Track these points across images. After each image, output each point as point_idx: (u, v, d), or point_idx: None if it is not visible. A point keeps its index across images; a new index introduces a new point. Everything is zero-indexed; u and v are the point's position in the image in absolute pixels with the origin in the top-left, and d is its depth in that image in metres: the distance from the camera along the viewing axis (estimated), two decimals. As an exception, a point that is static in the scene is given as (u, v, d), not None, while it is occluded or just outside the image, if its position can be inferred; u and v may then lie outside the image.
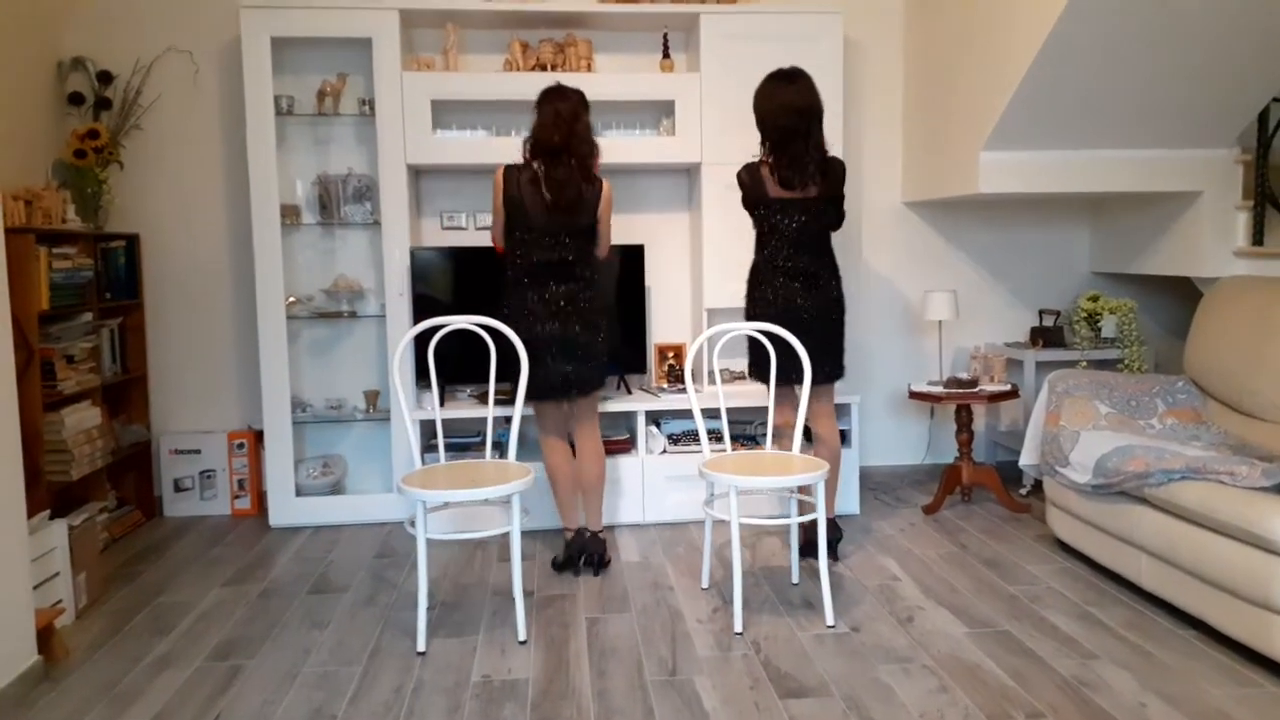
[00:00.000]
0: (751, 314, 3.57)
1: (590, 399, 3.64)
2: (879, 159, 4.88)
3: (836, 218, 3.60)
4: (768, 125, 3.47)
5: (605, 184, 3.55)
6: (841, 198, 3.58)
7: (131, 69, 4.38)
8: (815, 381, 3.53)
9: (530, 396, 3.51)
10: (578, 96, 3.49)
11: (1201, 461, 2.96)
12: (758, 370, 3.61)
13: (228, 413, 4.58)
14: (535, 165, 3.45)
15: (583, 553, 3.61)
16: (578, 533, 3.65)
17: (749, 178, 3.51)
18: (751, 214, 3.57)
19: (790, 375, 3.50)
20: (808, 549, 3.63)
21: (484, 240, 4.49)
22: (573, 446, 3.69)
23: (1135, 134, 4.05)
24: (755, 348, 3.58)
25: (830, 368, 3.59)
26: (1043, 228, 5.01)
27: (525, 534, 3.96)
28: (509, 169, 3.49)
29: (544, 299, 3.47)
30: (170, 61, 4.42)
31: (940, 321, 4.69)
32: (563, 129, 3.40)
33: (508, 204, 3.47)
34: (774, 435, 3.63)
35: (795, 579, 3.48)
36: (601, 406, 4.14)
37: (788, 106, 3.42)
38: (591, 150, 3.49)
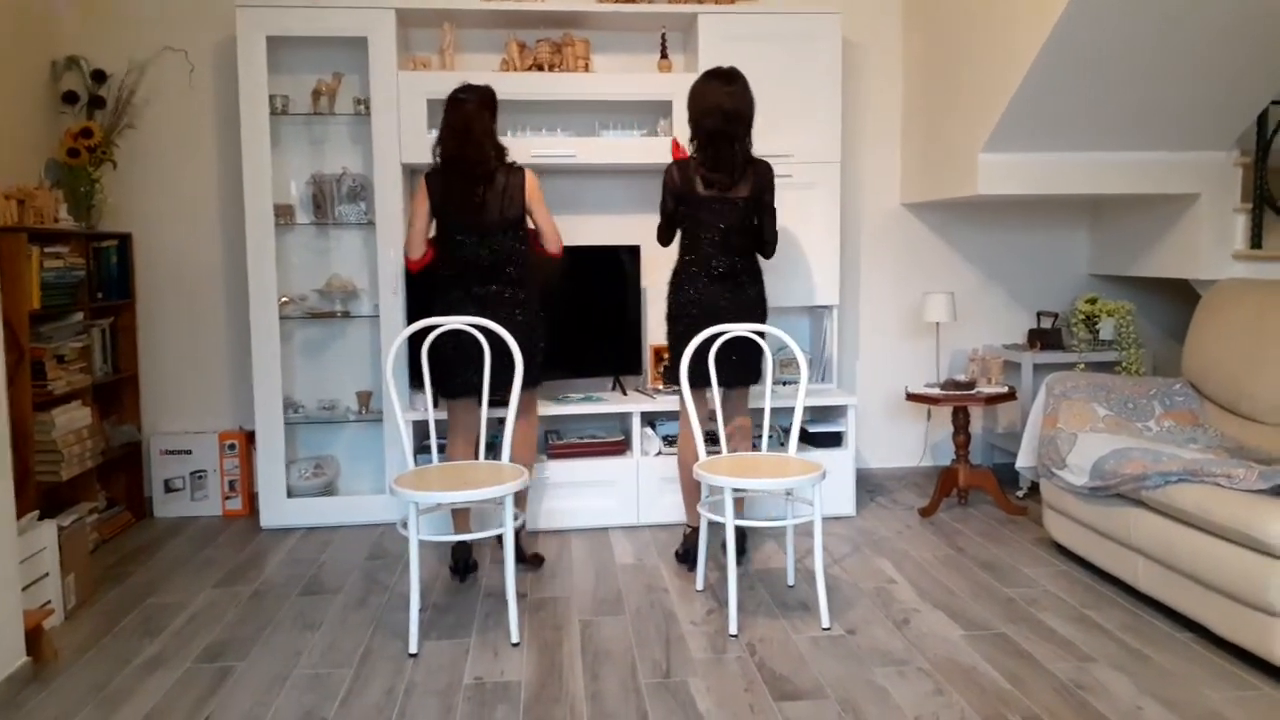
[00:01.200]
0: (673, 314, 3.57)
1: (526, 397, 3.61)
2: (877, 160, 4.87)
3: (770, 237, 3.57)
4: (697, 124, 3.48)
5: (527, 173, 3.53)
6: (771, 208, 3.55)
7: (126, 68, 4.36)
8: (736, 384, 3.60)
9: (449, 394, 3.52)
10: (475, 101, 3.45)
11: (1199, 464, 2.95)
12: (674, 375, 3.52)
13: (219, 413, 4.55)
14: (445, 175, 3.48)
15: (465, 560, 3.59)
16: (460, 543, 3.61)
17: (679, 175, 3.51)
18: (676, 212, 3.56)
19: (728, 379, 3.52)
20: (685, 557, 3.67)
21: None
22: (479, 448, 3.63)
23: (1134, 136, 4.04)
24: (678, 351, 3.52)
25: (751, 372, 3.60)
26: (1041, 230, 5.00)
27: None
28: (429, 176, 3.51)
29: (473, 297, 3.47)
30: (165, 60, 4.40)
31: (938, 323, 4.67)
32: (457, 138, 3.43)
33: (434, 209, 3.49)
34: (708, 438, 3.63)
35: (791, 581, 3.46)
36: (596, 407, 4.14)
37: (717, 108, 3.43)
38: (484, 155, 3.44)
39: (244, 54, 4.02)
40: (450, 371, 3.50)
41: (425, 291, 3.71)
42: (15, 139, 3.98)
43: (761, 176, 3.52)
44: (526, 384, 3.54)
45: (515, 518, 3.62)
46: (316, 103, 4.28)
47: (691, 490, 3.64)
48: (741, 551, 3.70)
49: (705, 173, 3.47)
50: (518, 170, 3.53)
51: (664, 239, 3.65)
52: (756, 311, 3.58)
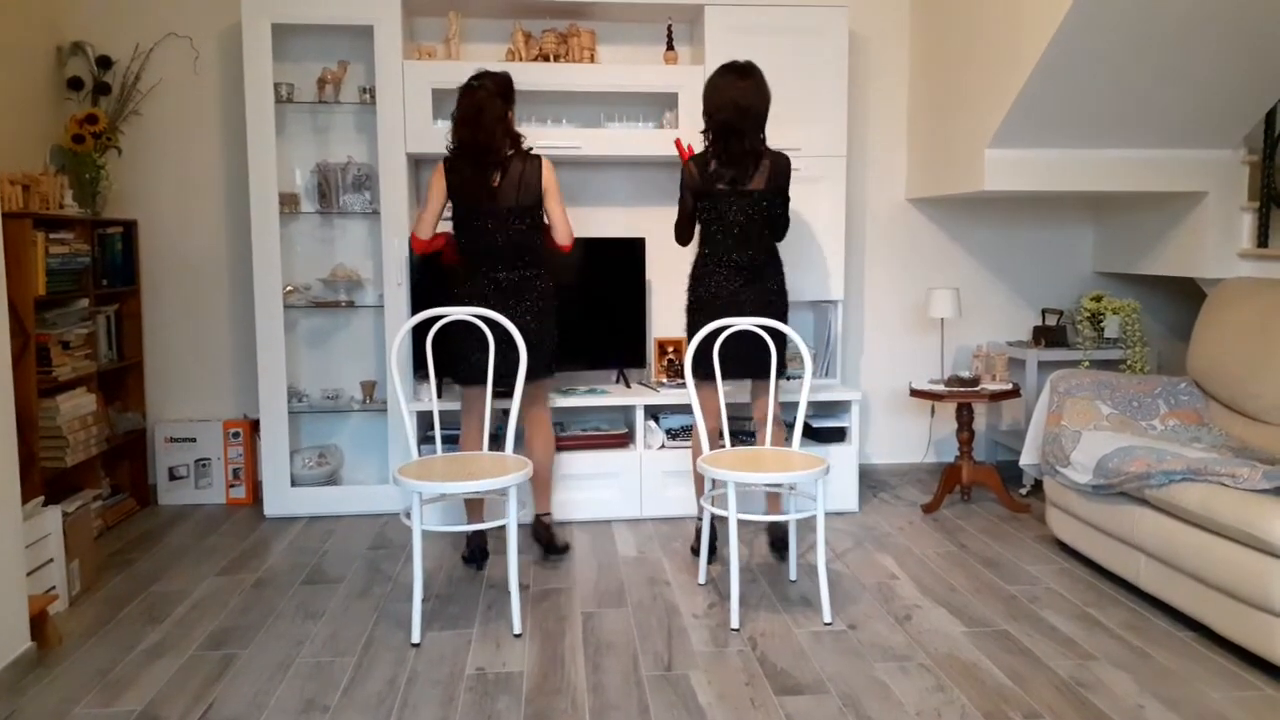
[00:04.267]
0: (693, 308, 3.56)
1: (539, 387, 3.64)
2: (883, 155, 4.86)
3: (782, 222, 3.58)
4: (711, 118, 3.47)
5: (545, 161, 3.54)
6: (786, 197, 3.56)
7: (131, 54, 4.35)
8: (758, 376, 3.58)
9: (464, 381, 3.53)
10: (488, 88, 3.46)
11: (1203, 463, 2.94)
12: (700, 369, 3.49)
13: (224, 401, 4.56)
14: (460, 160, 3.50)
15: (479, 548, 3.63)
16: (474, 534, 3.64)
17: (697, 169, 3.51)
18: (695, 208, 3.55)
19: (740, 371, 3.49)
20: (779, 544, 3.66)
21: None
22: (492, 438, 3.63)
23: (1141, 133, 4.03)
24: (700, 345, 3.46)
25: (762, 366, 3.57)
26: (1047, 226, 4.99)
27: (522, 526, 3.94)
28: (448, 161, 3.51)
29: (492, 284, 3.49)
30: (170, 47, 4.39)
31: (943, 319, 4.66)
32: (469, 125, 3.45)
33: (452, 195, 3.50)
34: (712, 434, 3.59)
35: (793, 576, 3.46)
36: (600, 400, 4.13)
37: (732, 103, 3.42)
38: (496, 142, 3.45)
39: (249, 41, 4.01)
40: (464, 356, 3.51)
41: (444, 277, 3.71)
42: (20, 124, 3.98)
43: (778, 168, 3.50)
44: (540, 375, 3.56)
45: (545, 512, 3.70)
46: (322, 91, 4.27)
47: (699, 481, 3.64)
48: (784, 548, 3.62)
49: (718, 167, 3.46)
50: (535, 158, 3.53)
51: (683, 237, 3.65)
52: (776, 303, 3.56)
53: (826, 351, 4.51)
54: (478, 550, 3.60)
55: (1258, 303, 3.56)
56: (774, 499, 3.75)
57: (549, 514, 3.76)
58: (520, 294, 3.51)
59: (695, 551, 3.68)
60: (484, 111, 3.44)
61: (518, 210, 3.48)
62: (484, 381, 3.46)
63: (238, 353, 4.54)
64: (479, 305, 3.41)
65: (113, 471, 4.27)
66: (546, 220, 3.61)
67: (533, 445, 3.69)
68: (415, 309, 4.12)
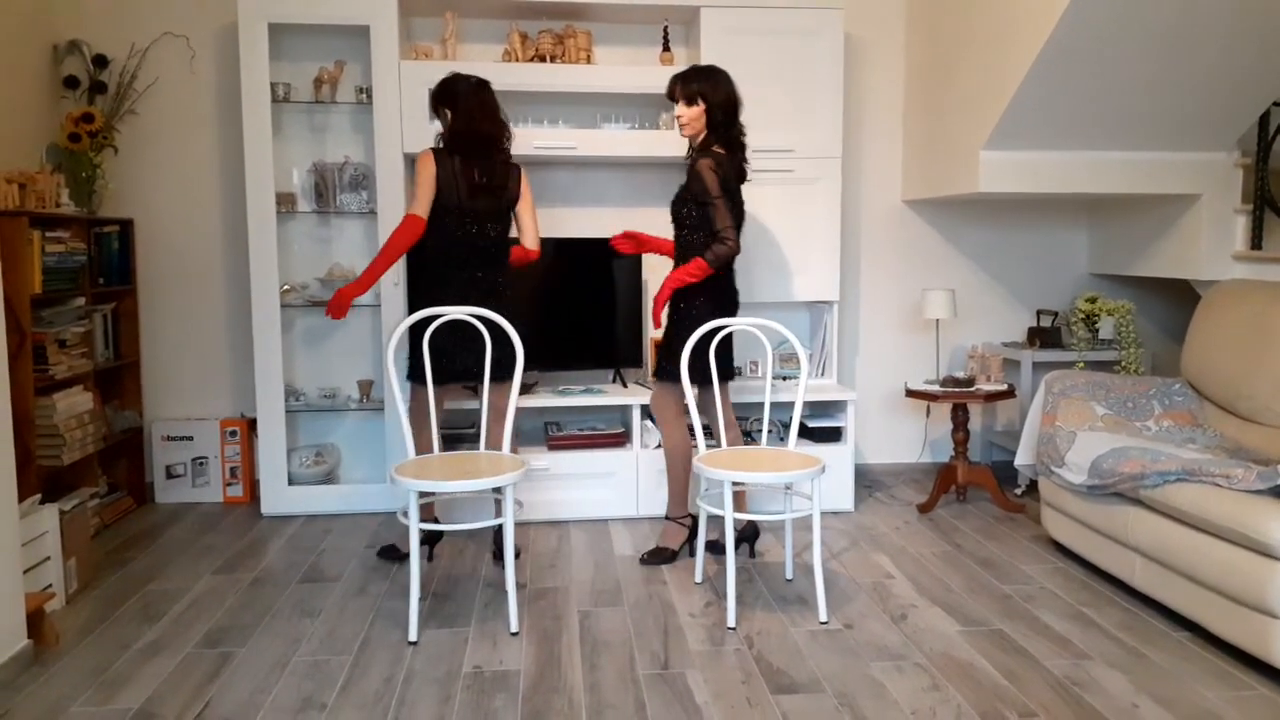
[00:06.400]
0: (716, 306, 3.53)
1: (504, 386, 3.57)
2: (879, 157, 4.87)
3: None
4: (735, 113, 3.51)
5: (522, 167, 3.60)
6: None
7: (128, 53, 4.35)
8: (726, 380, 3.64)
9: (440, 380, 3.48)
10: (489, 84, 3.52)
11: (1197, 464, 2.96)
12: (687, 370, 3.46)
13: (221, 400, 4.56)
14: (458, 156, 3.44)
15: (393, 547, 3.68)
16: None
17: (731, 167, 3.49)
18: (728, 202, 3.49)
19: (709, 375, 3.49)
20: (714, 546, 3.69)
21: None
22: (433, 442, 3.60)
23: (1136, 136, 4.05)
24: (696, 348, 3.45)
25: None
26: (1042, 228, 5.00)
27: (518, 525, 3.96)
28: (438, 152, 3.46)
29: (465, 281, 3.48)
30: (167, 46, 4.39)
31: (938, 320, 4.68)
32: (489, 116, 3.47)
33: (440, 184, 3.43)
34: (708, 434, 3.60)
35: (789, 575, 3.47)
36: (596, 399, 4.14)
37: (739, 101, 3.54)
38: (503, 133, 3.53)
39: (246, 41, 4.02)
40: (447, 354, 3.48)
41: (418, 275, 3.70)
42: (16, 123, 3.98)
43: None
44: (510, 374, 3.52)
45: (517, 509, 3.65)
46: (318, 91, 4.27)
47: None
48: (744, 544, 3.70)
49: (743, 165, 3.53)
50: (515, 164, 3.57)
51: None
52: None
53: (822, 352, 4.52)
54: (392, 550, 3.66)
55: (1251, 304, 3.58)
56: (740, 497, 3.65)
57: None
58: (498, 295, 3.51)
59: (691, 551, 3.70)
60: (497, 108, 3.49)
61: (498, 212, 3.52)
62: (460, 380, 3.51)
63: (235, 351, 4.54)
64: (448, 301, 3.40)
65: (110, 470, 4.27)
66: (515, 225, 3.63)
67: (496, 442, 3.60)
68: (412, 308, 4.12)
